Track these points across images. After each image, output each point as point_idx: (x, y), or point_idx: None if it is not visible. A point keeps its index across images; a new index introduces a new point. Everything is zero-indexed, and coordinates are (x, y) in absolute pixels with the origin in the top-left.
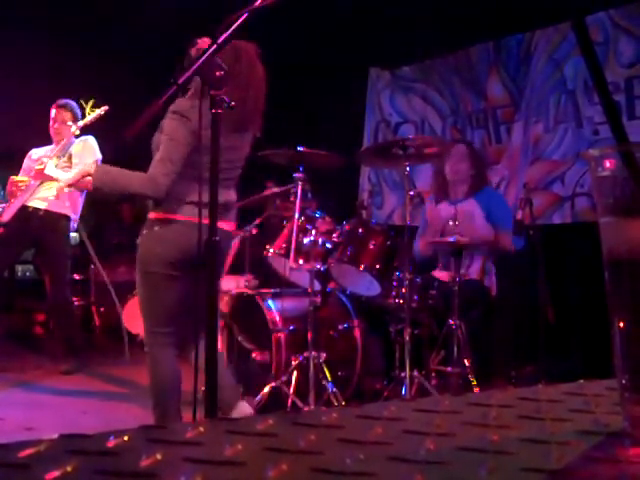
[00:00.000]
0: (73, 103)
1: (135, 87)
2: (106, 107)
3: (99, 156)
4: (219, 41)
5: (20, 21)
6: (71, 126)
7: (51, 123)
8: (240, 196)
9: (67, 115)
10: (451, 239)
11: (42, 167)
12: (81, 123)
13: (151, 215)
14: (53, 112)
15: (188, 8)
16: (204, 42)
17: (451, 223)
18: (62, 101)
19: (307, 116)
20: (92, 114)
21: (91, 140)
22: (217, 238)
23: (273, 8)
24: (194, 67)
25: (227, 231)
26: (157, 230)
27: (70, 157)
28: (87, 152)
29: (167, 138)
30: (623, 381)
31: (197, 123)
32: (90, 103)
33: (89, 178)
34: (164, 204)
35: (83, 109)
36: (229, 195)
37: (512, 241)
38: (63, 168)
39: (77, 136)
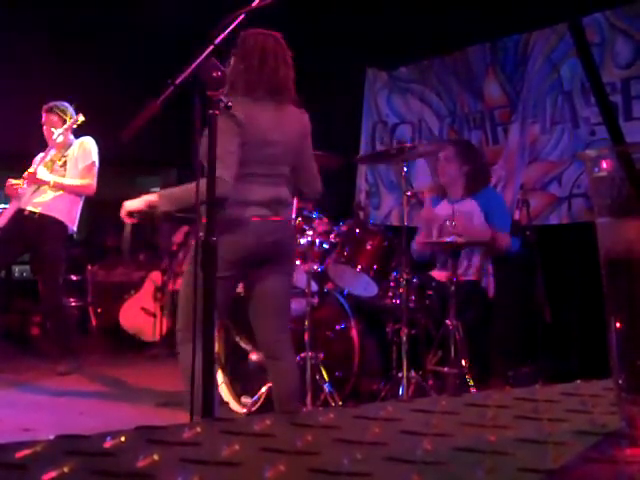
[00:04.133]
0: (61, 104)
1: (134, 87)
2: (80, 116)
3: (95, 159)
4: (216, 42)
5: (20, 23)
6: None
7: (43, 127)
8: None
9: (54, 117)
10: (448, 239)
11: (33, 171)
12: (58, 132)
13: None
14: (43, 117)
15: (187, 9)
16: None
17: (448, 223)
18: (48, 105)
19: None
20: (65, 125)
21: (88, 143)
22: (214, 238)
23: (270, 9)
24: (191, 68)
25: (278, 221)
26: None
27: (65, 161)
28: (81, 156)
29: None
30: (620, 381)
31: (242, 117)
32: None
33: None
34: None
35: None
36: (277, 192)
37: (510, 241)
38: (59, 173)
39: (77, 136)
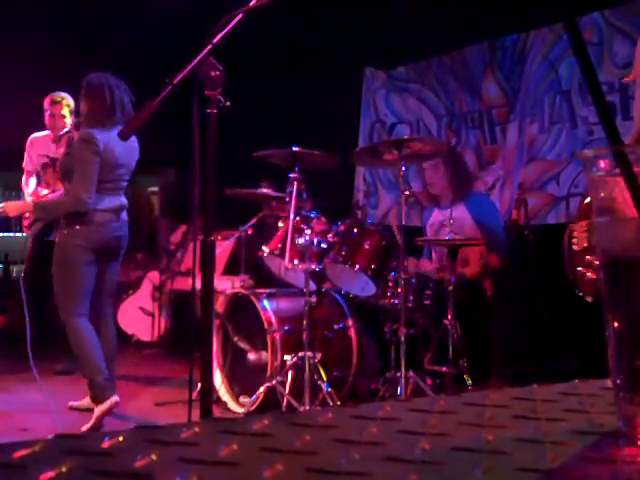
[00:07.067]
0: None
1: (132, 87)
2: None
3: None
4: (214, 41)
5: (21, 20)
6: (66, 119)
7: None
8: (236, 196)
9: (62, 109)
10: (447, 237)
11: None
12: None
13: (70, 219)
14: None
15: (187, 8)
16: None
17: (446, 224)
18: (57, 95)
19: (302, 116)
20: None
21: None
22: (212, 238)
23: (268, 8)
24: (189, 67)
25: (120, 222)
26: (78, 228)
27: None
28: None
29: (80, 161)
30: (618, 381)
31: (102, 146)
32: None
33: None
34: (78, 212)
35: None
36: (121, 200)
37: (502, 250)
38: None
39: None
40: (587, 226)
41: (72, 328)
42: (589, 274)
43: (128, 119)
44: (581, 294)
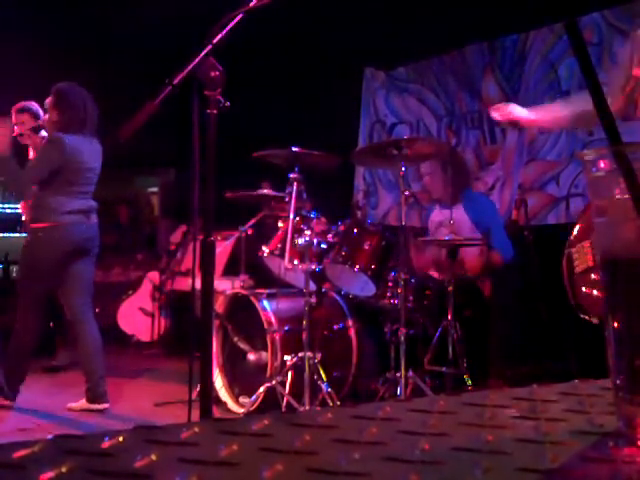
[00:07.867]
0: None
1: (131, 87)
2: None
3: None
4: (214, 41)
5: (19, 20)
6: (35, 128)
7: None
8: (237, 198)
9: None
10: (447, 237)
11: None
12: None
13: (34, 225)
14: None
15: (186, 8)
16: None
17: (445, 225)
18: (20, 105)
19: (302, 116)
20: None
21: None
22: (212, 238)
23: (268, 8)
24: (189, 68)
25: (89, 224)
26: (42, 236)
27: None
28: None
29: (40, 155)
30: (617, 381)
31: (69, 150)
32: None
33: None
34: (45, 216)
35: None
36: (90, 203)
37: (503, 251)
38: None
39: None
40: (591, 244)
41: (27, 326)
42: (595, 292)
43: (94, 130)
44: (586, 317)
